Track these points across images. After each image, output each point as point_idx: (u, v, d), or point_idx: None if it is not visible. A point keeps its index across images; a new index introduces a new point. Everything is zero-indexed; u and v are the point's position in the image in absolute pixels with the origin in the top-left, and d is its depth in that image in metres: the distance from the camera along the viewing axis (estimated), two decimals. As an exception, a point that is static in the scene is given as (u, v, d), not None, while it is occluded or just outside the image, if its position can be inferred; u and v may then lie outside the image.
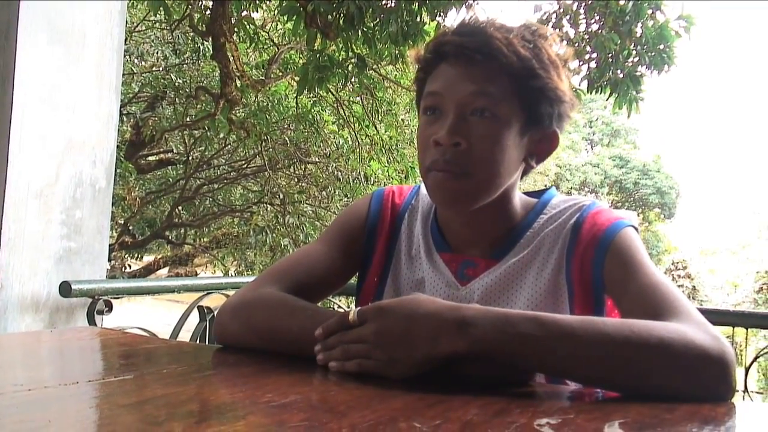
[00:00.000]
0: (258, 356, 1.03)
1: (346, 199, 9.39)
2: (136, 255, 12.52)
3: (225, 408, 0.80)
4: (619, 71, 5.40)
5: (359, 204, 1.31)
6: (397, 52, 5.42)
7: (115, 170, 2.80)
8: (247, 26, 5.99)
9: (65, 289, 2.31)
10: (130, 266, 12.45)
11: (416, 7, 4.80)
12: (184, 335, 2.50)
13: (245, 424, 0.72)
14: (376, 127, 9.13)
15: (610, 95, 5.45)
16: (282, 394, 0.83)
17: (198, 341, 2.49)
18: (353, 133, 9.09)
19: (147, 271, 11.23)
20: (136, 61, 8.94)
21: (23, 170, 2.38)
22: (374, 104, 8.96)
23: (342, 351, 0.94)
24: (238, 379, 0.95)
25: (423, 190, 1.28)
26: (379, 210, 1.28)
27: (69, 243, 2.51)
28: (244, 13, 6.10)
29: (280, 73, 8.35)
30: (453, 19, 5.17)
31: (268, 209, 9.71)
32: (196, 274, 12.73)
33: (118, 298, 2.47)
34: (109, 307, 2.39)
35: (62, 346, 1.19)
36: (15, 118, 2.36)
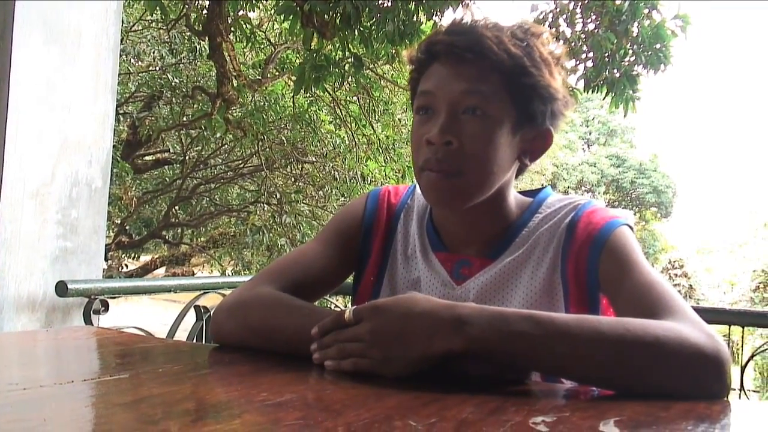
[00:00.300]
0: (254, 355, 1.03)
1: (342, 198, 9.39)
2: (132, 255, 12.51)
3: (221, 407, 0.80)
4: (615, 70, 5.41)
5: (355, 204, 1.31)
6: (393, 51, 5.43)
7: (112, 170, 2.79)
8: (244, 26, 5.99)
9: (61, 288, 2.30)
10: (126, 266, 12.43)
11: (413, 6, 4.80)
12: (181, 335, 2.50)
13: (241, 422, 0.71)
14: (372, 127, 9.12)
15: (607, 94, 5.46)
16: (277, 392, 0.83)
17: (195, 340, 2.49)
18: (350, 132, 9.09)
19: (144, 270, 11.22)
20: (132, 60, 8.93)
21: (19, 170, 2.38)
22: (371, 104, 8.95)
23: (337, 350, 0.94)
24: (233, 377, 0.95)
25: (419, 189, 1.28)
26: (375, 210, 1.28)
27: (65, 243, 2.51)
28: (241, 12, 6.10)
29: (277, 73, 8.34)
30: (450, 18, 5.17)
31: (265, 209, 9.71)
32: (193, 274, 12.71)
33: (114, 297, 2.47)
34: (106, 306, 2.39)
35: (58, 345, 1.19)
36: (11, 117, 2.36)
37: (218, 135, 8.66)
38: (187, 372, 0.96)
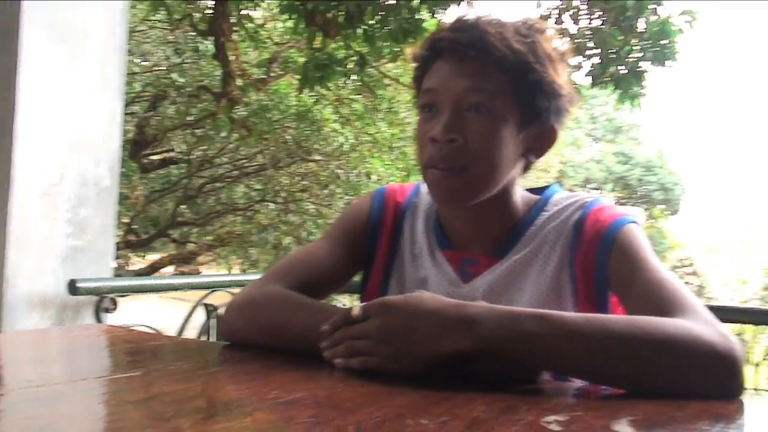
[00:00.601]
0: (264, 353, 1.03)
1: (347, 197, 9.38)
2: (140, 254, 12.53)
3: (232, 404, 0.81)
4: (621, 67, 5.39)
5: (361, 203, 1.31)
6: (397, 49, 5.42)
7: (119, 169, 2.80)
8: (248, 25, 6.00)
9: (72, 287, 2.31)
10: (134, 265, 12.45)
11: (416, 4, 4.80)
12: (190, 333, 2.51)
13: (252, 420, 0.72)
14: (377, 126, 9.12)
15: (613, 91, 5.45)
16: (288, 390, 0.83)
17: (204, 338, 2.50)
18: (354, 131, 9.09)
19: (151, 269, 11.23)
20: (137, 60, 8.94)
21: (28, 169, 2.39)
22: (375, 102, 8.95)
23: (346, 347, 0.94)
24: (244, 375, 0.95)
25: (424, 188, 1.28)
26: (381, 208, 1.28)
27: (75, 241, 2.51)
28: (244, 12, 6.11)
29: (281, 72, 8.35)
30: (453, 15, 5.15)
31: (271, 207, 9.71)
32: (199, 273, 12.73)
33: (124, 296, 2.48)
34: (115, 305, 2.40)
35: (70, 343, 1.20)
36: (19, 117, 2.36)
37: (223, 134, 8.67)
38: (197, 370, 0.96)
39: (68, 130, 2.53)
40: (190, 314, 2.53)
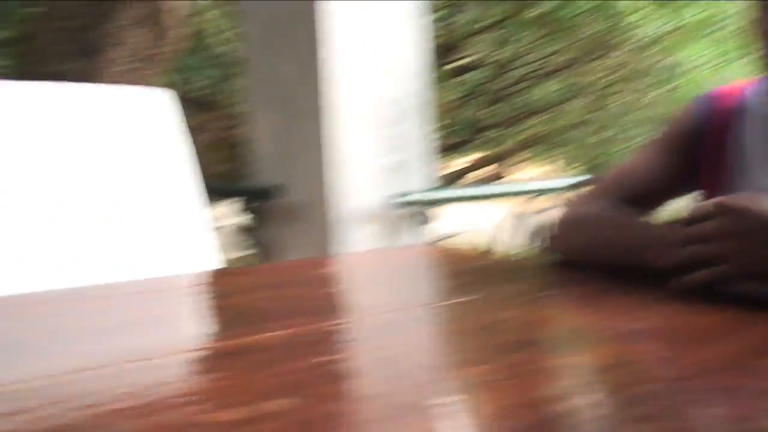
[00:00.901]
0: (597, 275, 0.97)
1: (657, 90, 8.76)
2: (449, 159, 12.97)
3: (573, 334, 0.78)
4: None
5: (684, 111, 1.19)
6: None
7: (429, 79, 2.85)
8: None
9: (392, 201, 2.43)
10: (446, 170, 12.92)
11: None
12: (503, 238, 2.53)
13: (598, 354, 0.68)
14: (685, 11, 8.29)
15: None
16: (631, 319, 0.78)
17: (522, 250, 2.50)
18: (661, 19, 8.37)
19: (461, 173, 11.60)
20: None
21: (346, 90, 2.52)
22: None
23: (685, 258, 0.84)
24: (581, 301, 0.92)
25: (755, 89, 1.11)
26: (707, 116, 1.14)
27: (394, 156, 2.62)
28: None
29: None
30: None
31: (577, 106, 9.44)
32: (508, 177, 12.85)
33: (443, 206, 2.55)
34: (434, 216, 2.49)
35: (401, 265, 1.25)
36: (329, 39, 2.49)
37: (524, 34, 8.52)
38: (529, 294, 0.96)
39: (377, 48, 2.62)
40: (507, 223, 2.55)
